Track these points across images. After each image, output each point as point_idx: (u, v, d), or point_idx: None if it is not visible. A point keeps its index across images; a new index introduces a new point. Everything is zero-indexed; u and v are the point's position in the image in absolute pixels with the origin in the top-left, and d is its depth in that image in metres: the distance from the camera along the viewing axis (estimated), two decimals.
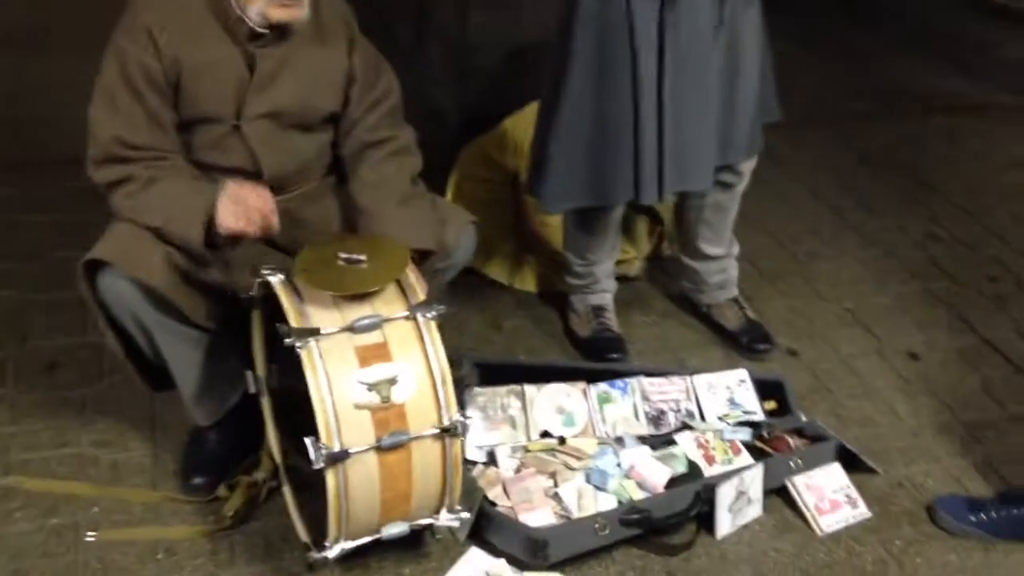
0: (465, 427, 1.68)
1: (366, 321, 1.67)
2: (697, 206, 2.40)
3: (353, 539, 1.71)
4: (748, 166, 2.35)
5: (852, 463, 2.10)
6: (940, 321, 2.67)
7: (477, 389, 2.15)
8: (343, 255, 1.74)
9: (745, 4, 2.12)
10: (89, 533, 1.87)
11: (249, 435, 2.03)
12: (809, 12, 4.61)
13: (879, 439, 2.24)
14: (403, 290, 1.75)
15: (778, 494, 2.02)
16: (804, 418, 2.21)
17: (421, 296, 1.73)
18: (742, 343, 2.49)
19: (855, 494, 2.02)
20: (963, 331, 2.63)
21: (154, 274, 1.75)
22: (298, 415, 1.75)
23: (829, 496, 2.01)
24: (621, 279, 2.61)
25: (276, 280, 1.73)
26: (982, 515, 1.96)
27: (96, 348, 2.31)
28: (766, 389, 2.26)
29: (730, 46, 2.12)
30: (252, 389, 1.92)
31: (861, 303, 2.75)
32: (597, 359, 2.39)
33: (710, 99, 2.12)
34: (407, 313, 1.70)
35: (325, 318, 1.67)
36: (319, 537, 1.72)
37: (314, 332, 1.64)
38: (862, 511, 2.01)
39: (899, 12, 4.71)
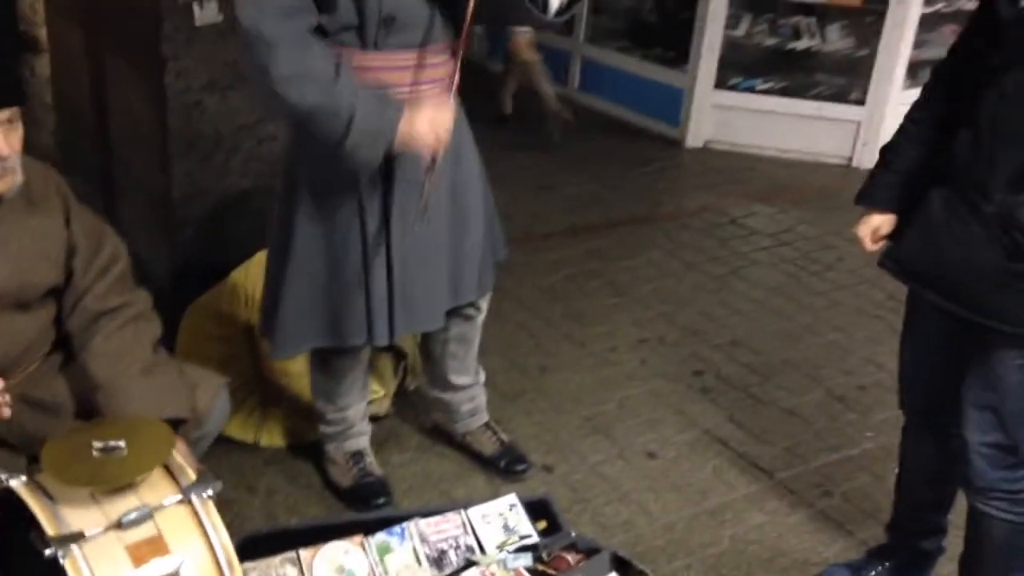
0: None
1: (134, 514, 1.51)
2: (442, 340, 2.45)
3: None
4: (486, 299, 2.45)
5: (625, 569, 2.20)
6: (665, 419, 2.91)
7: (248, 564, 1.99)
8: (97, 444, 1.56)
9: (457, 160, 2.15)
10: None
11: None
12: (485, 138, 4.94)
13: (640, 540, 2.37)
14: (170, 471, 1.60)
15: None
16: (574, 533, 2.29)
17: (192, 475, 1.59)
18: (500, 467, 2.54)
19: None
20: (686, 425, 2.88)
21: None
22: None
23: None
24: (372, 419, 2.58)
25: (17, 484, 1.51)
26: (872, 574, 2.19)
27: None
28: (535, 509, 2.31)
29: (455, 199, 2.19)
30: None
31: (594, 410, 2.93)
32: (365, 508, 2.33)
33: (438, 248, 2.18)
34: (180, 497, 1.56)
35: (86, 518, 1.48)
36: None
37: (76, 537, 1.45)
38: None
39: (571, 132, 5.18)
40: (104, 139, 3.34)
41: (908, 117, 1.99)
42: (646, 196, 4.61)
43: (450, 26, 2.01)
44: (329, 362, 2.32)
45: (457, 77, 1.97)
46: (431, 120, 1.88)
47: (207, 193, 2.98)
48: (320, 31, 1.91)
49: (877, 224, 2.02)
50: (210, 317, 2.58)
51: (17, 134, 1.67)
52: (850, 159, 5.05)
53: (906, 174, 1.96)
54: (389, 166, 2.04)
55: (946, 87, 1.92)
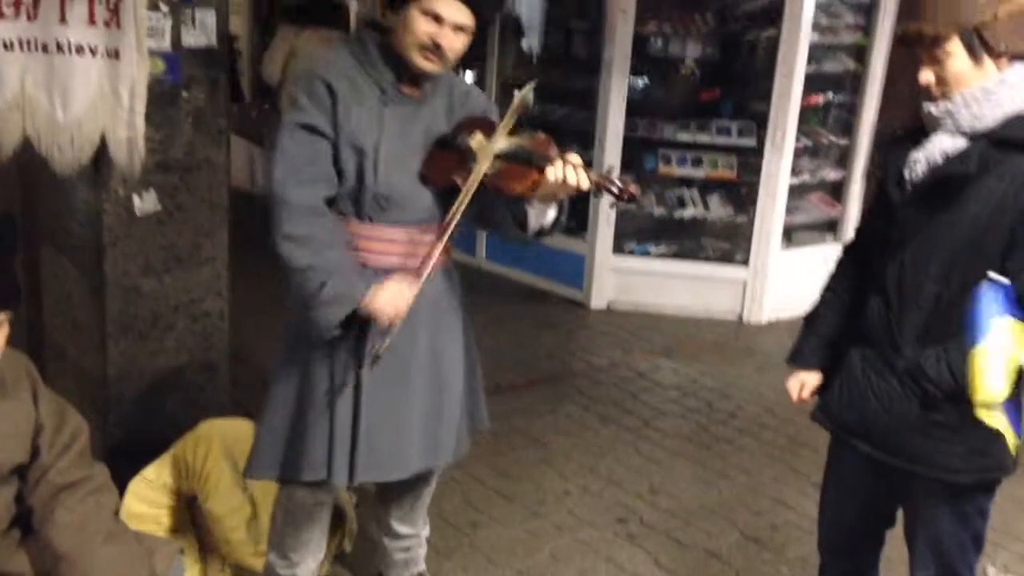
0: None
1: None
2: (395, 488, 2.54)
3: None
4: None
5: None
6: (596, 567, 3.04)
7: None
8: None
9: (438, 326, 2.30)
10: None
11: None
12: None
13: None
14: None
15: None
16: None
17: None
18: None
19: None
20: (616, 572, 3.01)
21: None
22: None
23: None
24: None
25: None
26: None
27: None
28: None
29: (434, 363, 2.31)
30: None
31: (527, 562, 3.03)
32: None
33: (413, 406, 2.28)
34: None
35: None
36: None
37: None
38: None
39: (485, 298, 5.44)
40: (38, 327, 3.41)
41: (826, 287, 2.25)
42: (559, 355, 4.87)
43: (441, 212, 2.17)
44: (293, 499, 2.38)
45: (431, 262, 2.10)
46: (392, 295, 2.05)
47: (142, 372, 3.07)
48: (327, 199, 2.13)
49: (803, 378, 2.23)
50: (155, 488, 2.63)
51: (3, 333, 1.80)
52: (740, 315, 5.45)
53: (827, 336, 2.20)
54: (365, 321, 2.15)
55: (855, 261, 2.19)
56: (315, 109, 2.07)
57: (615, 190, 1.95)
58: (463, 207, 2.06)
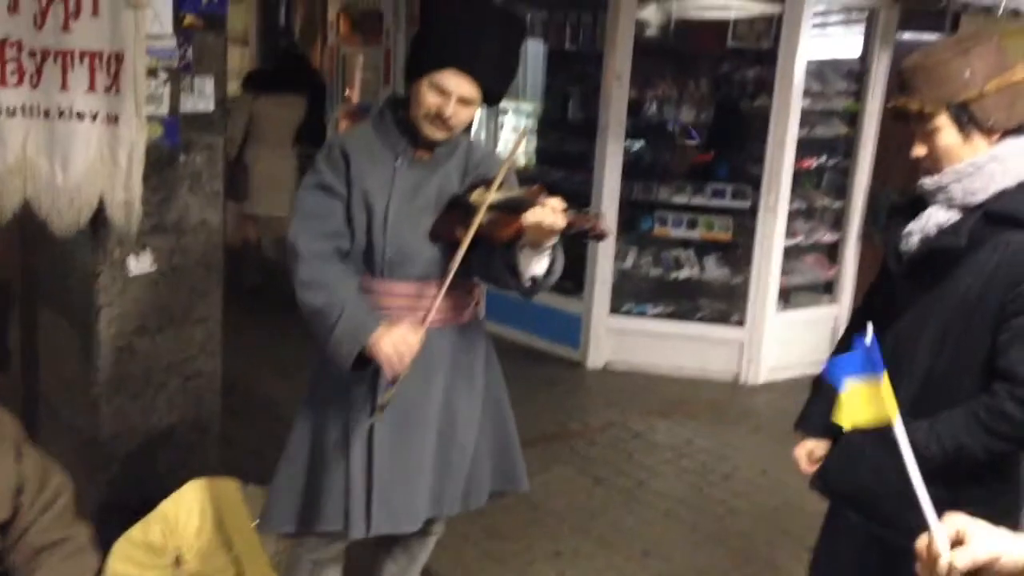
0: None
1: None
2: (402, 542, 2.57)
3: None
4: (442, 523, 2.60)
5: None
6: None
7: None
8: None
9: (455, 379, 2.36)
10: None
11: None
12: None
13: None
14: None
15: None
16: None
17: None
18: None
19: None
20: None
21: None
22: None
23: None
24: None
25: None
26: None
27: None
28: None
29: (447, 414, 2.35)
30: None
31: None
32: None
33: (423, 456, 2.32)
34: None
35: None
36: None
37: None
38: None
39: None
40: (33, 386, 3.44)
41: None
42: (554, 415, 4.87)
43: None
44: (303, 556, 2.42)
45: (433, 311, 2.22)
46: (397, 339, 2.13)
47: (134, 430, 3.09)
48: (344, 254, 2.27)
49: (811, 448, 2.19)
50: (140, 548, 2.63)
51: None
52: (737, 375, 5.46)
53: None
54: (377, 370, 2.23)
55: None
56: (330, 171, 2.25)
57: (586, 228, 2.05)
58: (459, 257, 2.16)
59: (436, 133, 2.23)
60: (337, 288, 2.18)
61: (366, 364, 2.18)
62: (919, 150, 1.95)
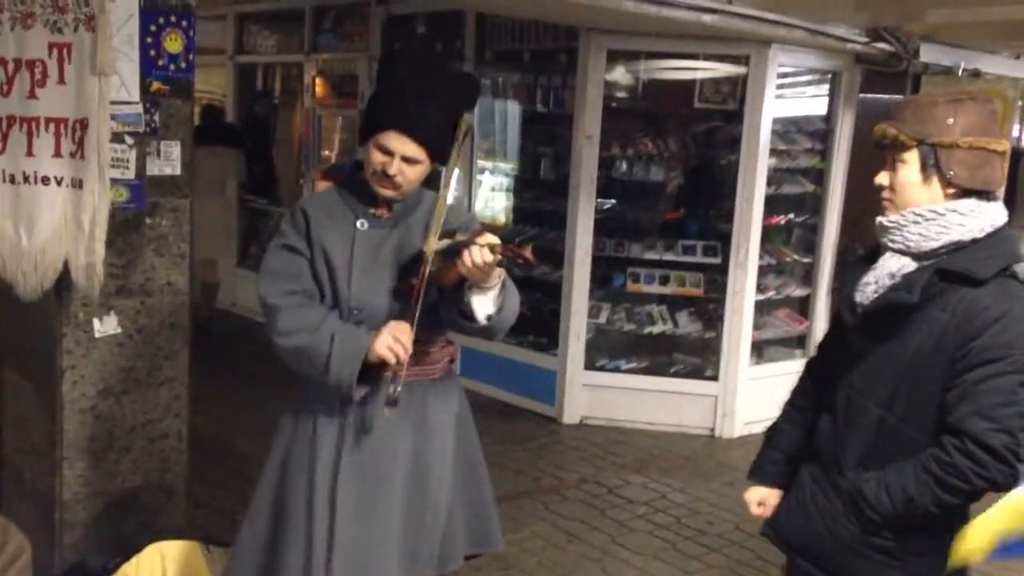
0: None
1: None
2: None
3: None
4: None
5: None
6: None
7: None
8: None
9: (428, 435, 2.37)
10: None
11: None
12: None
13: None
14: None
15: None
16: None
17: None
18: None
19: None
20: None
21: None
22: None
23: None
24: None
25: None
26: None
27: None
28: None
29: (417, 470, 2.35)
30: None
31: None
32: None
33: (390, 513, 2.32)
34: None
35: None
36: None
37: None
38: None
39: None
40: None
41: (788, 401, 2.28)
42: (528, 471, 4.85)
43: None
44: None
45: (415, 318, 2.26)
46: (391, 334, 2.21)
47: (98, 493, 3.07)
48: None
49: (763, 496, 2.24)
50: None
51: None
52: (712, 429, 5.47)
53: (788, 451, 2.22)
54: (343, 423, 2.29)
55: (814, 376, 2.22)
56: (293, 232, 2.35)
57: (517, 260, 2.19)
58: (418, 306, 2.22)
59: (385, 191, 2.32)
60: (320, 325, 2.25)
61: (368, 376, 2.24)
62: (882, 178, 1.99)
